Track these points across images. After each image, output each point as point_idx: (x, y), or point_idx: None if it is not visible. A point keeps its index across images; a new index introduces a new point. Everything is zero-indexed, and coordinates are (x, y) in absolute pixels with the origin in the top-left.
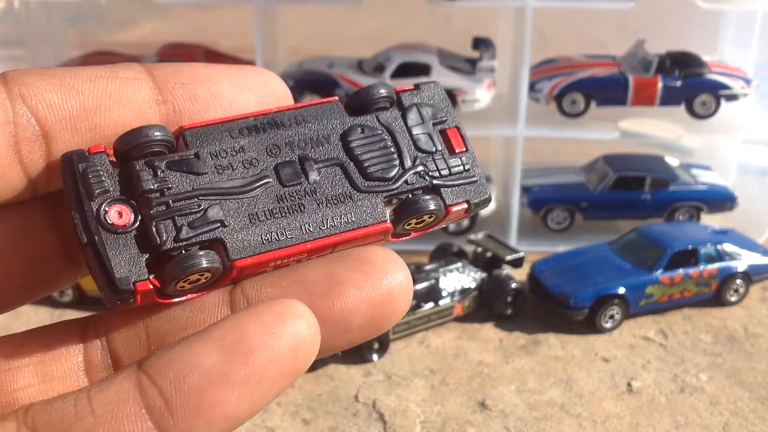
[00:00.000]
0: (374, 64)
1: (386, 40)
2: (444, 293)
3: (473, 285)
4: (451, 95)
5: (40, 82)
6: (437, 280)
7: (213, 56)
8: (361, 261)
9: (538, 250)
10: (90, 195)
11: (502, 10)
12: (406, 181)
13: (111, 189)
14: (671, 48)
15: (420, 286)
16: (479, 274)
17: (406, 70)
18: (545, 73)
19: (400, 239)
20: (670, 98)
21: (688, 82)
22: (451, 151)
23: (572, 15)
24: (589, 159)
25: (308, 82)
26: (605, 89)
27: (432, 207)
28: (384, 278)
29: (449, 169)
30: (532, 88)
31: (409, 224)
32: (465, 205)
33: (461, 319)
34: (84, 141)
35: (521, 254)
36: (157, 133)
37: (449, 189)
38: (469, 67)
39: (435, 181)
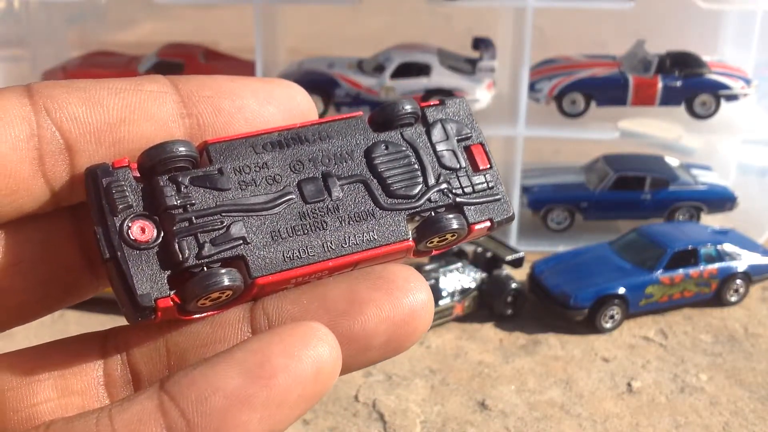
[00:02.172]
0: (374, 64)
1: (386, 40)
2: (444, 293)
3: (473, 285)
4: (451, 95)
5: (64, 94)
6: (437, 280)
7: (213, 56)
8: (382, 279)
9: (538, 250)
10: (113, 210)
11: (502, 10)
12: (429, 199)
13: (134, 204)
14: (671, 48)
15: None
16: (479, 274)
17: (406, 70)
18: (545, 73)
19: (422, 256)
20: (670, 98)
21: (688, 82)
22: (476, 168)
23: (572, 15)
24: (589, 159)
25: (308, 82)
26: (605, 89)
27: (455, 226)
28: (405, 297)
29: (473, 187)
30: (532, 88)
31: (431, 242)
32: (488, 224)
33: (461, 319)
34: (108, 154)
35: (521, 254)
36: (181, 149)
37: (472, 207)
38: (469, 67)
39: (458, 199)
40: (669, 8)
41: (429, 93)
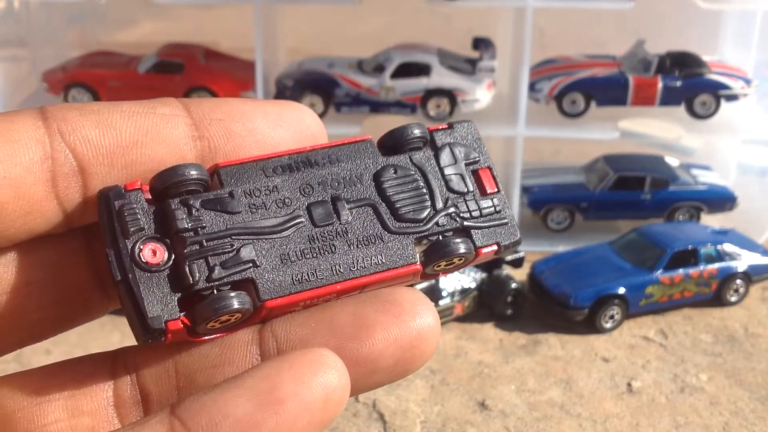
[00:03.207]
0: (374, 64)
1: (386, 40)
2: (444, 293)
3: (473, 285)
4: (451, 95)
5: (78, 117)
6: (437, 280)
7: (213, 56)
8: (389, 303)
9: (538, 250)
10: (125, 232)
11: (502, 10)
12: (437, 223)
13: (146, 227)
14: (671, 48)
15: (420, 286)
16: (479, 274)
17: (406, 70)
18: (545, 73)
19: (430, 279)
20: (670, 98)
21: (688, 82)
22: (483, 192)
23: (572, 15)
24: (589, 159)
25: (308, 82)
26: (605, 89)
27: (462, 250)
28: (413, 321)
29: (480, 211)
30: (532, 88)
31: (439, 266)
32: (495, 248)
33: (461, 319)
34: (120, 177)
35: (521, 254)
36: (193, 172)
37: (480, 231)
38: (469, 67)
39: (466, 223)
40: (669, 8)
41: (429, 93)
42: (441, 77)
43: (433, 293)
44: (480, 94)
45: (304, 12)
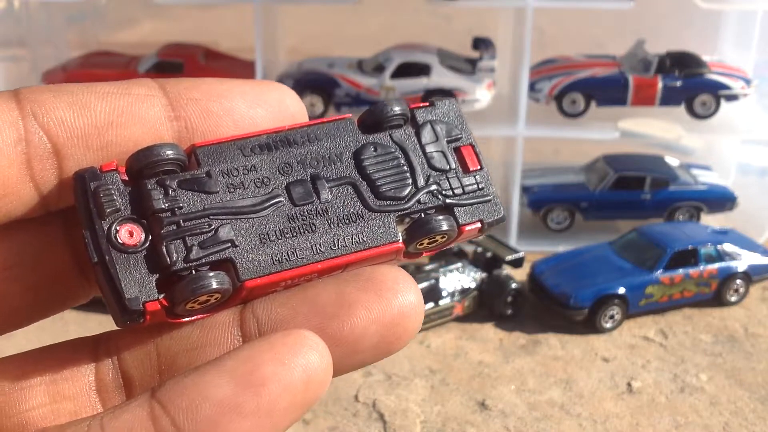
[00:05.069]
0: (374, 64)
1: (386, 40)
2: (444, 293)
3: (473, 285)
4: (451, 95)
5: (52, 99)
6: (437, 280)
7: (213, 56)
8: (371, 281)
9: (538, 250)
10: (101, 214)
11: (502, 10)
12: (418, 201)
13: (122, 208)
14: (671, 48)
15: (420, 286)
16: (479, 274)
17: (406, 70)
18: (545, 73)
19: (412, 258)
20: (670, 98)
21: (688, 82)
22: (465, 169)
23: (572, 15)
24: (589, 159)
25: (308, 82)
26: (605, 89)
27: (444, 227)
28: (395, 298)
29: (463, 188)
30: (532, 88)
31: (421, 244)
32: (478, 225)
33: (461, 319)
34: (96, 158)
35: (521, 254)
36: (169, 152)
37: (462, 208)
38: (469, 67)
39: (448, 200)
40: (669, 8)
41: (429, 93)
42: (441, 77)
43: (433, 293)
44: (480, 94)
45: (304, 12)
